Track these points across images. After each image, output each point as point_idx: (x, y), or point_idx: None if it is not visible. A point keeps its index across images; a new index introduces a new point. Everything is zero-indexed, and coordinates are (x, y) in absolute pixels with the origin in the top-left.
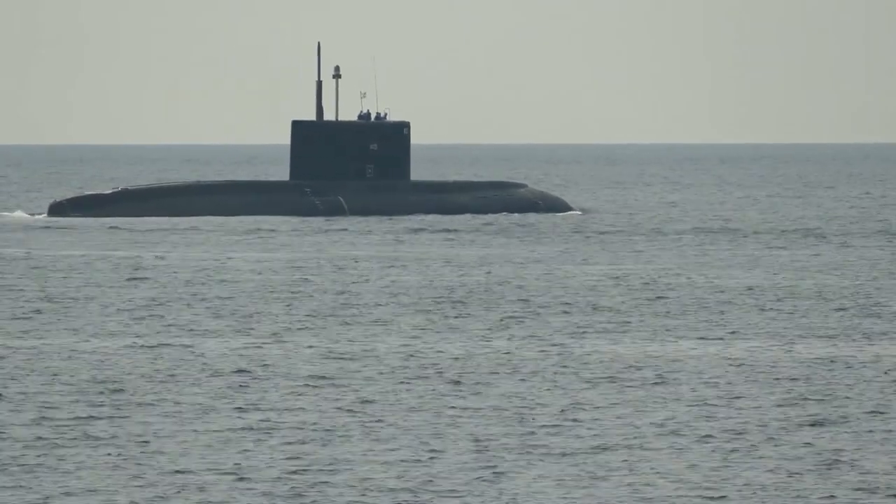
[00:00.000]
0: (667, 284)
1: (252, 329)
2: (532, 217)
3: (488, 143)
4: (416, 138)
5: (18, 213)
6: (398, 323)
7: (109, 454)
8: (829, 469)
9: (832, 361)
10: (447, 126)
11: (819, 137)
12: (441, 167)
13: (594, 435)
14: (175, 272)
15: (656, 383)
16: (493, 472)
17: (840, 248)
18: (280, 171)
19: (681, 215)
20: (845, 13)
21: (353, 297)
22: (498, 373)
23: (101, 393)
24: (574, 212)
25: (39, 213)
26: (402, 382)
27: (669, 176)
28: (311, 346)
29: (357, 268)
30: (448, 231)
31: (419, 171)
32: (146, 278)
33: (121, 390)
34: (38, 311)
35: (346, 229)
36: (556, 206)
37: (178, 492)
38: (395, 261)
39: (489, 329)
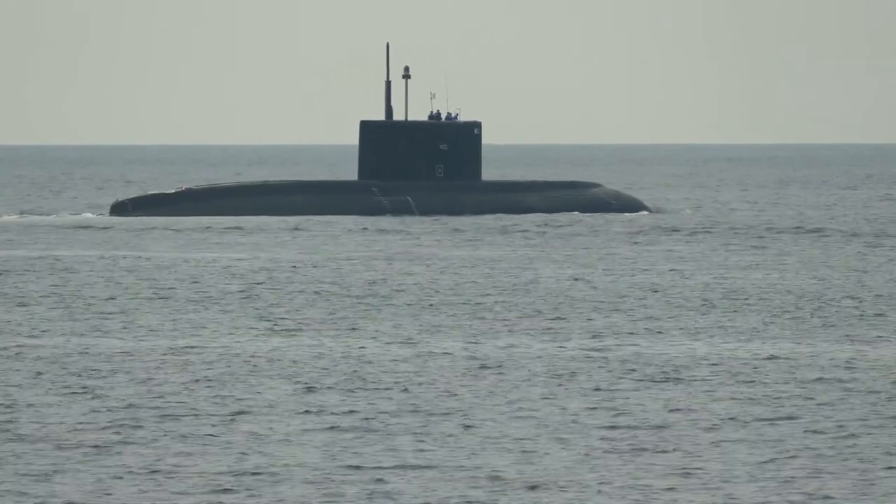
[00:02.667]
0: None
1: (306, 328)
2: (604, 216)
3: (575, 143)
4: (493, 139)
5: (87, 215)
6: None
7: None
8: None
9: None
10: (531, 128)
11: (819, 138)
12: (524, 169)
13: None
14: (234, 272)
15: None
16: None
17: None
18: (348, 172)
19: (768, 215)
20: (847, 13)
21: (392, 296)
22: (581, 373)
23: (173, 393)
24: (645, 212)
25: (101, 213)
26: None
27: (724, 176)
28: (364, 347)
29: (392, 267)
30: (506, 230)
31: (498, 172)
32: (206, 278)
33: (181, 391)
34: (102, 312)
35: (407, 230)
36: (629, 205)
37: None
38: (425, 259)
39: (573, 331)
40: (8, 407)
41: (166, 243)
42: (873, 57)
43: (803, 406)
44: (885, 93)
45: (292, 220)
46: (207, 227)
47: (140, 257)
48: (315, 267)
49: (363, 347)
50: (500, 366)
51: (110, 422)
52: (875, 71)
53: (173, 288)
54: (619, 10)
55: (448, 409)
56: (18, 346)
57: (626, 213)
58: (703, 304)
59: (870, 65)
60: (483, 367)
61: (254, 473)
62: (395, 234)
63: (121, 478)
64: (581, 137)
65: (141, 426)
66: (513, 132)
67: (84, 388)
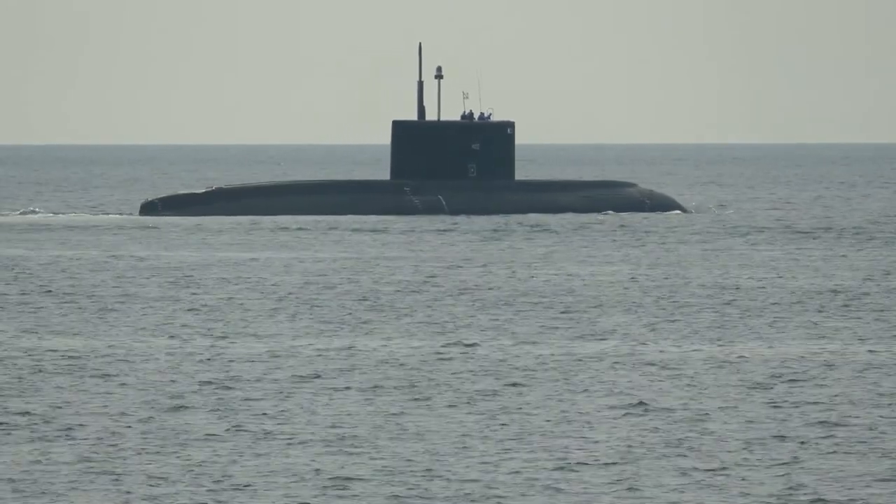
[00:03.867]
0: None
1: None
2: (636, 216)
3: (620, 143)
4: (529, 139)
5: (116, 215)
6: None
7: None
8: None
9: None
10: (568, 128)
11: (819, 138)
12: (564, 169)
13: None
14: (263, 272)
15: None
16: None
17: None
18: (379, 172)
19: (807, 214)
20: (847, 13)
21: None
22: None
23: (194, 393)
24: (677, 211)
25: (130, 213)
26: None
27: (752, 176)
28: (391, 348)
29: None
30: (535, 229)
31: (535, 173)
32: (235, 278)
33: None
34: (134, 312)
35: (437, 229)
36: (664, 204)
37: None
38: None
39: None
40: (39, 405)
41: (198, 243)
42: (873, 57)
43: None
44: (885, 93)
45: (324, 219)
46: (238, 227)
47: (173, 257)
48: (343, 267)
49: (389, 348)
50: (545, 368)
51: (132, 419)
52: (875, 71)
53: (204, 287)
54: (651, 9)
55: (487, 410)
56: (51, 345)
57: (661, 213)
58: (796, 304)
59: (870, 65)
60: (530, 367)
61: (283, 473)
62: (423, 234)
63: (165, 478)
64: (608, 137)
65: (165, 425)
66: (551, 132)
67: (116, 385)
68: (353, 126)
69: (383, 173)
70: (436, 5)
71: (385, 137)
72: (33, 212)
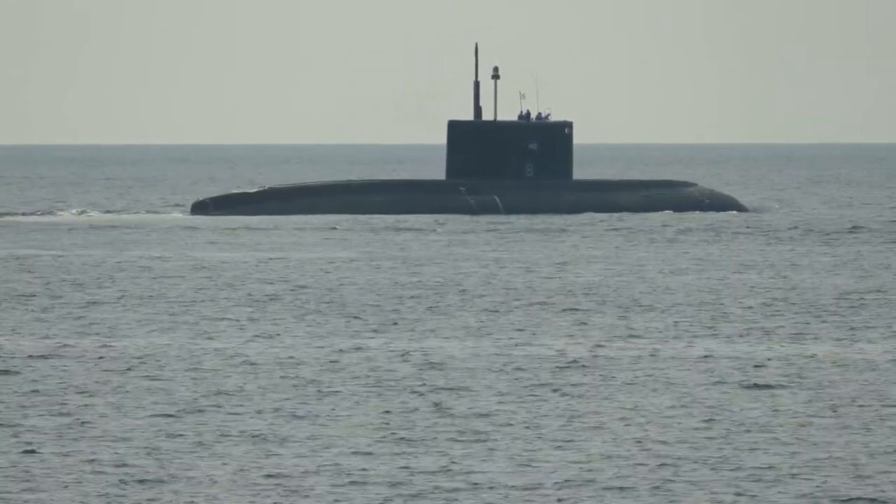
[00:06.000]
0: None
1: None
2: (693, 215)
3: (690, 143)
4: (594, 139)
5: (166, 214)
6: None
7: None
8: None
9: None
10: (630, 128)
11: (818, 138)
12: (630, 170)
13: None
14: (307, 271)
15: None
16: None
17: None
18: (435, 171)
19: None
20: (847, 13)
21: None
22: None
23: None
24: (736, 211)
25: (182, 212)
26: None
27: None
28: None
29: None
30: (578, 229)
31: (597, 173)
32: (281, 279)
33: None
34: (186, 313)
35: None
36: (724, 204)
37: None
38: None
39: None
40: (78, 404)
41: (254, 243)
42: (873, 57)
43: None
44: (885, 93)
45: (368, 218)
46: (295, 226)
47: (224, 256)
48: (377, 267)
49: (439, 347)
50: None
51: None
52: (875, 71)
53: (258, 287)
54: (709, 9)
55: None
56: (104, 344)
57: (720, 212)
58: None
59: (870, 65)
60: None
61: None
62: (473, 234)
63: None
64: (676, 137)
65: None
66: (613, 132)
67: (156, 386)
68: (411, 126)
69: (439, 173)
70: (492, 5)
71: (442, 138)
72: (85, 212)
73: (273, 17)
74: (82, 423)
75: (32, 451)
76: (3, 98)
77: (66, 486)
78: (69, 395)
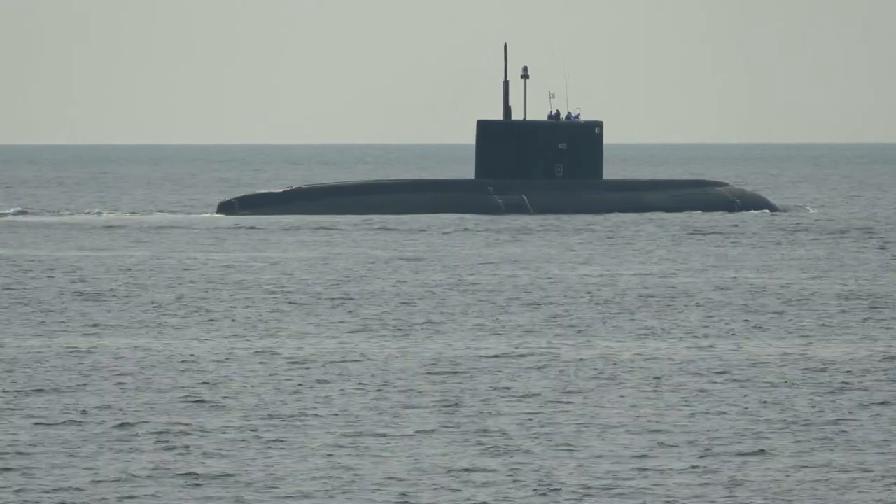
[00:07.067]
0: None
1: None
2: (719, 215)
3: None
4: (625, 139)
5: (193, 214)
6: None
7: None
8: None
9: None
10: (661, 127)
11: (818, 138)
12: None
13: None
14: (329, 272)
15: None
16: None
17: None
18: (466, 171)
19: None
20: (847, 13)
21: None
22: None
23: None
24: (768, 210)
25: (208, 212)
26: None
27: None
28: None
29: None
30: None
31: (632, 173)
32: (302, 280)
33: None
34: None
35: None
36: (755, 204)
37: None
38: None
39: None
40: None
41: (283, 242)
42: (873, 57)
43: None
44: (885, 93)
45: (396, 218)
46: (319, 226)
47: (256, 257)
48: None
49: (456, 348)
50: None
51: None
52: (875, 71)
53: (285, 286)
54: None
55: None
56: (134, 344)
57: (751, 212)
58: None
59: (870, 65)
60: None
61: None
62: (498, 234)
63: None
64: (708, 137)
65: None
66: (644, 132)
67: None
68: (440, 125)
69: (468, 173)
70: (521, 5)
71: (471, 137)
72: (98, 213)
73: (301, 17)
74: (114, 419)
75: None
76: (2, 98)
77: (73, 487)
78: (89, 392)
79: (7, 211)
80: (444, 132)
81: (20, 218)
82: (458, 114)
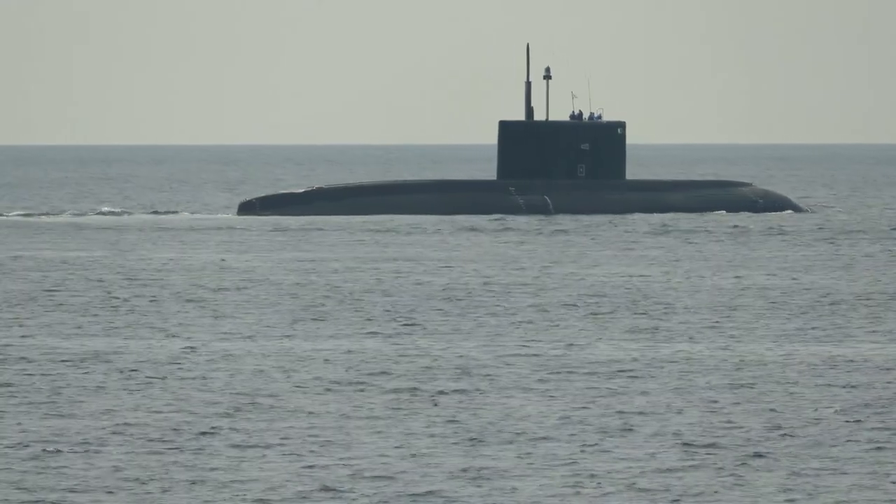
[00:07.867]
0: None
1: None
2: (743, 216)
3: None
4: (647, 140)
5: (215, 215)
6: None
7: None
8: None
9: None
10: (688, 128)
11: (817, 138)
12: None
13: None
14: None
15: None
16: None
17: None
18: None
19: None
20: (847, 13)
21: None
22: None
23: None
24: (791, 211)
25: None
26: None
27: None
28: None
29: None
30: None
31: (657, 175)
32: (313, 281)
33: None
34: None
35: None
36: (778, 204)
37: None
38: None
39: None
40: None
41: (297, 243)
42: (873, 57)
43: None
44: (885, 93)
45: (426, 219)
46: (341, 226)
47: (276, 258)
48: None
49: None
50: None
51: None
52: (875, 71)
53: (307, 288)
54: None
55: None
56: (156, 343)
57: (774, 213)
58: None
59: (870, 64)
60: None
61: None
62: (517, 235)
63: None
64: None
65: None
66: (666, 133)
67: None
68: (462, 126)
69: (491, 174)
70: (544, 5)
71: (493, 138)
72: (113, 213)
73: (301, 17)
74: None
75: (58, 451)
76: (2, 98)
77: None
78: (100, 394)
79: (32, 212)
80: (444, 132)
81: (43, 220)
82: (464, 115)
